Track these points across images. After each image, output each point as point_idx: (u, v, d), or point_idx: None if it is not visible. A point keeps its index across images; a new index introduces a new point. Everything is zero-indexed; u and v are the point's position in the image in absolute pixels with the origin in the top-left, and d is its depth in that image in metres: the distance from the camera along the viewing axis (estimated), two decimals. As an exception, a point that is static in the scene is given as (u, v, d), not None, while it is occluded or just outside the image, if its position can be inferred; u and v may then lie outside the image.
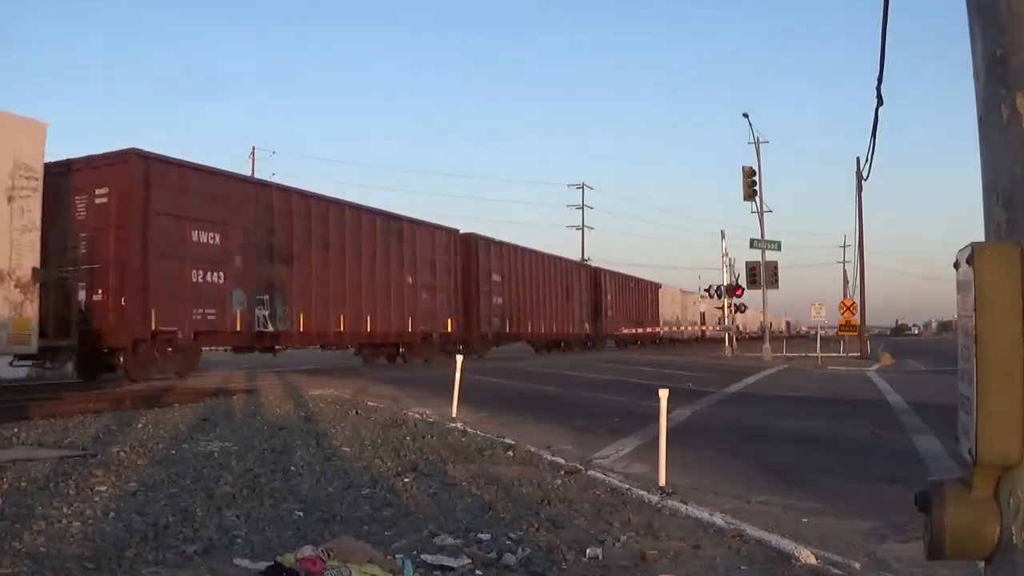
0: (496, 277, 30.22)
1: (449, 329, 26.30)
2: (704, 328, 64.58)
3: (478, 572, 4.34)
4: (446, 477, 6.84)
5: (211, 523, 5.11)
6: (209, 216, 16.93)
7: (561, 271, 36.93)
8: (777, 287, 35.82)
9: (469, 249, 28.42)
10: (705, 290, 55.48)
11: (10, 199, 12.61)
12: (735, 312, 46.40)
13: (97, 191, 15.44)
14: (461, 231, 28.07)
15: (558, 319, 35.90)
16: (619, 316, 44.41)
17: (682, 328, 59.24)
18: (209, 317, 16.77)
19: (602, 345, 41.83)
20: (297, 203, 19.96)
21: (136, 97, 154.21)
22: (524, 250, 33.58)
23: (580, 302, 38.53)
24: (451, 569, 4.33)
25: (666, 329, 54.43)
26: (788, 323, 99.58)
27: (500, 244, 31.19)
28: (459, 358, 11.61)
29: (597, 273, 42.55)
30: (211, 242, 16.95)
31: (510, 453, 8.08)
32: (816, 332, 39.79)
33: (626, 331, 45.56)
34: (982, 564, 1.29)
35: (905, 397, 15.58)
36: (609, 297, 42.63)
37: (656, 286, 53.73)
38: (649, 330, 49.89)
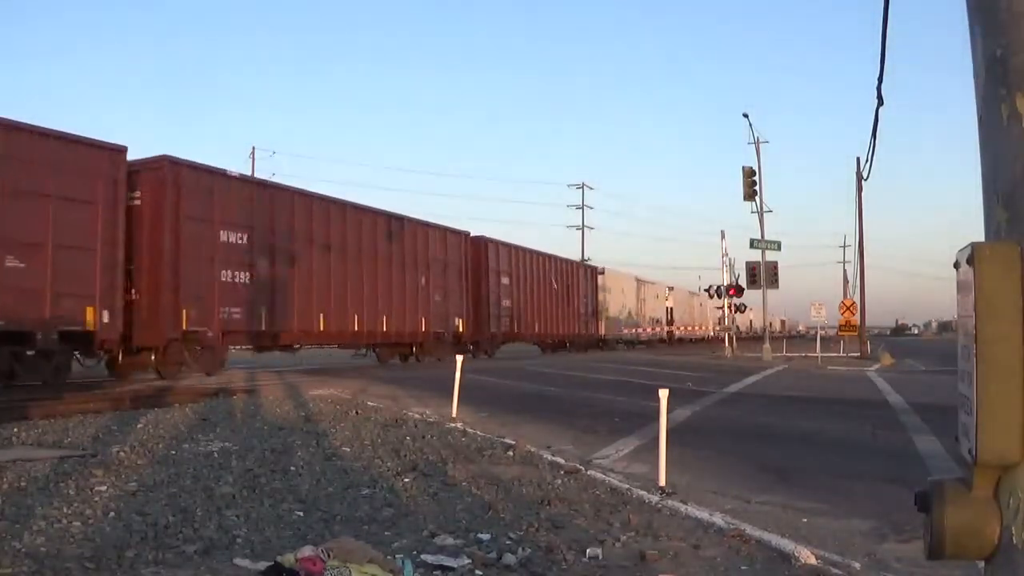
0: (233, 237, 17.63)
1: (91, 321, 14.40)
2: (672, 328, 53.19)
3: (478, 572, 4.34)
4: (446, 477, 6.84)
5: (211, 523, 5.11)
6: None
7: (395, 235, 23.45)
8: (777, 287, 35.88)
9: (156, 189, 16.17)
10: (705, 290, 54.46)
11: None
12: (735, 311, 46.26)
13: None
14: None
15: (392, 310, 22.87)
16: (527, 309, 32.10)
17: (639, 329, 46.99)
18: None
19: (491, 349, 29.77)
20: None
21: (136, 95, 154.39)
22: (305, 195, 20.47)
23: (443, 287, 25.88)
24: (451, 569, 4.33)
25: (615, 331, 42.67)
26: (783, 322, 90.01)
27: (234, 179, 18.33)
28: (459, 358, 11.60)
29: (479, 246, 28.80)
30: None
31: (510, 453, 8.08)
32: (816, 332, 39.75)
33: (541, 330, 33.60)
34: (982, 564, 1.29)
35: (905, 397, 15.58)
36: (505, 282, 30.19)
37: (595, 270, 41.54)
38: (581, 329, 38.08)
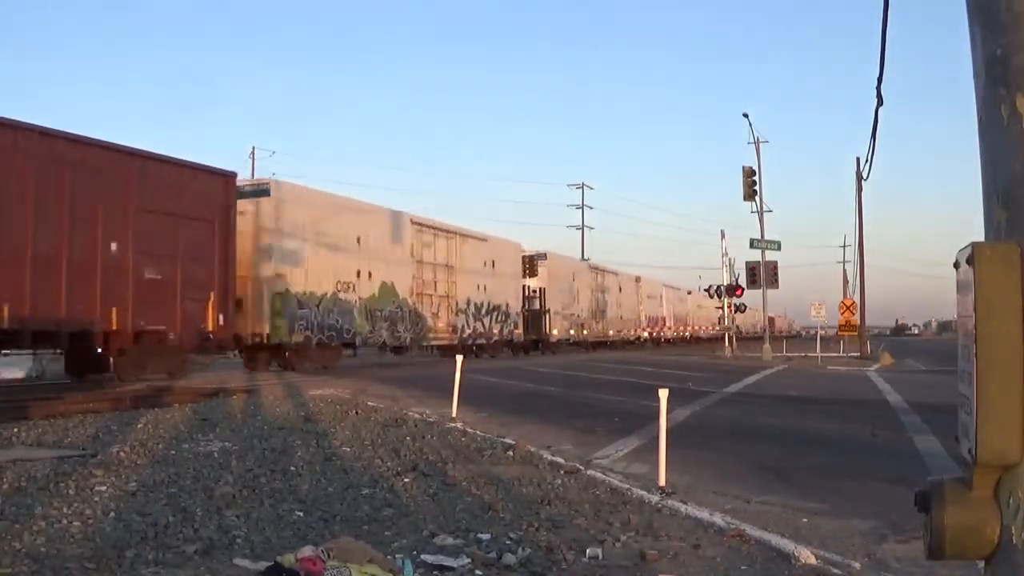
0: None
1: None
2: (550, 331, 33.57)
3: (478, 572, 4.34)
4: (446, 477, 6.84)
5: (211, 523, 5.10)
6: None
7: None
8: (777, 287, 35.88)
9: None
10: (705, 290, 53.65)
11: None
12: (734, 312, 46.11)
13: None
14: None
15: None
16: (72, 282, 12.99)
17: (427, 324, 24.88)
18: None
19: None
20: None
21: (137, 95, 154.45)
22: None
23: None
24: (451, 569, 4.33)
25: (371, 330, 22.11)
26: (772, 319, 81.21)
27: None
28: (459, 357, 11.60)
29: None
30: None
31: (510, 453, 8.08)
32: (816, 331, 39.65)
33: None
34: (982, 564, 1.29)
35: (905, 397, 15.58)
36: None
37: (257, 189, 19.15)
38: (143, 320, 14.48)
